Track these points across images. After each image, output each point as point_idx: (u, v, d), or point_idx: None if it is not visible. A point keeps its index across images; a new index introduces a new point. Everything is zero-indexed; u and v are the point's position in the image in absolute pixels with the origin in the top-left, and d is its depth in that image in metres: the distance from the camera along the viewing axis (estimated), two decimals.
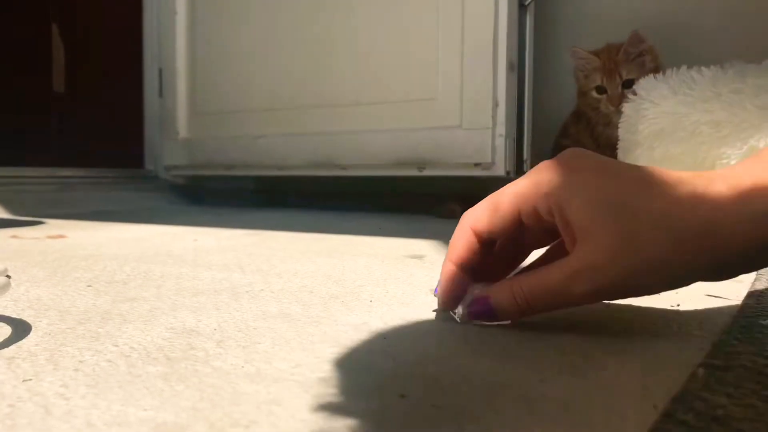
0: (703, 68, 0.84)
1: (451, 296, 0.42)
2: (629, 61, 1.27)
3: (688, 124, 0.79)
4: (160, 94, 1.91)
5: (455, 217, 1.39)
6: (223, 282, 0.59)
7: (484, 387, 0.31)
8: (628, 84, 1.23)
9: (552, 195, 0.37)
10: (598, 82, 1.30)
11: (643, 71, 1.22)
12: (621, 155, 0.96)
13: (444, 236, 0.97)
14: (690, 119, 0.79)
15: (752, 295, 0.50)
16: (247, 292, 0.54)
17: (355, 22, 1.55)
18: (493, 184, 1.48)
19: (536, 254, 0.47)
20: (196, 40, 1.84)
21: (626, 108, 0.93)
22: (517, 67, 1.40)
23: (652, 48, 1.28)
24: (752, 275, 0.62)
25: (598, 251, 0.36)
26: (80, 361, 0.35)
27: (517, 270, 0.46)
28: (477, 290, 0.41)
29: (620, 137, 0.96)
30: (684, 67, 0.86)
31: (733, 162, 0.73)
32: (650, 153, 0.85)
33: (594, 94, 1.31)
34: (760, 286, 0.54)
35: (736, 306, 0.47)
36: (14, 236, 0.96)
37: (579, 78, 1.35)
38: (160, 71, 1.91)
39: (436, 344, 0.39)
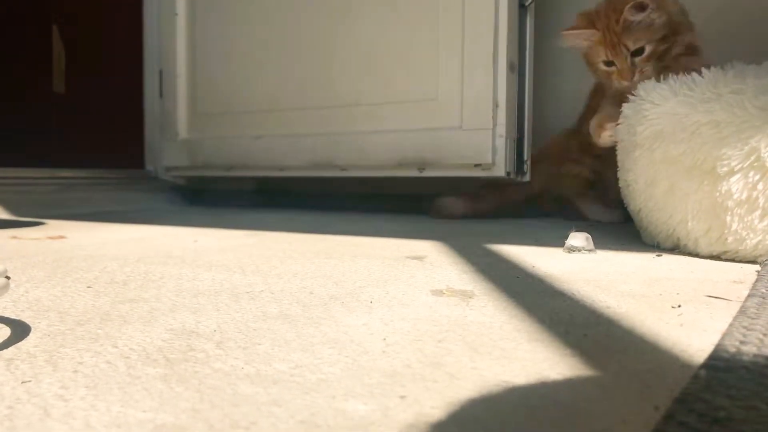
0: (703, 69, 0.84)
1: None
2: (633, 30, 1.09)
3: (688, 125, 0.79)
4: (161, 95, 1.91)
5: (454, 217, 1.40)
6: (223, 283, 0.59)
7: (482, 384, 0.31)
8: (639, 52, 1.09)
9: None
10: (603, 57, 1.14)
11: (653, 32, 1.08)
12: (621, 156, 0.96)
13: (444, 237, 0.97)
14: (690, 120, 0.78)
15: (753, 296, 0.50)
16: (247, 293, 0.54)
17: (355, 23, 1.55)
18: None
19: None
20: (196, 41, 1.84)
21: (626, 109, 0.92)
22: (517, 67, 1.39)
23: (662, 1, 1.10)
24: (753, 276, 0.62)
25: None
26: (79, 363, 0.35)
27: None
28: None
29: (620, 138, 0.96)
30: None
31: (733, 164, 0.73)
32: (650, 154, 0.85)
33: (603, 66, 1.16)
34: (761, 287, 0.54)
35: (737, 307, 0.47)
36: (14, 237, 0.96)
37: (583, 55, 1.20)
38: (161, 72, 1.91)
39: (434, 343, 0.39)
